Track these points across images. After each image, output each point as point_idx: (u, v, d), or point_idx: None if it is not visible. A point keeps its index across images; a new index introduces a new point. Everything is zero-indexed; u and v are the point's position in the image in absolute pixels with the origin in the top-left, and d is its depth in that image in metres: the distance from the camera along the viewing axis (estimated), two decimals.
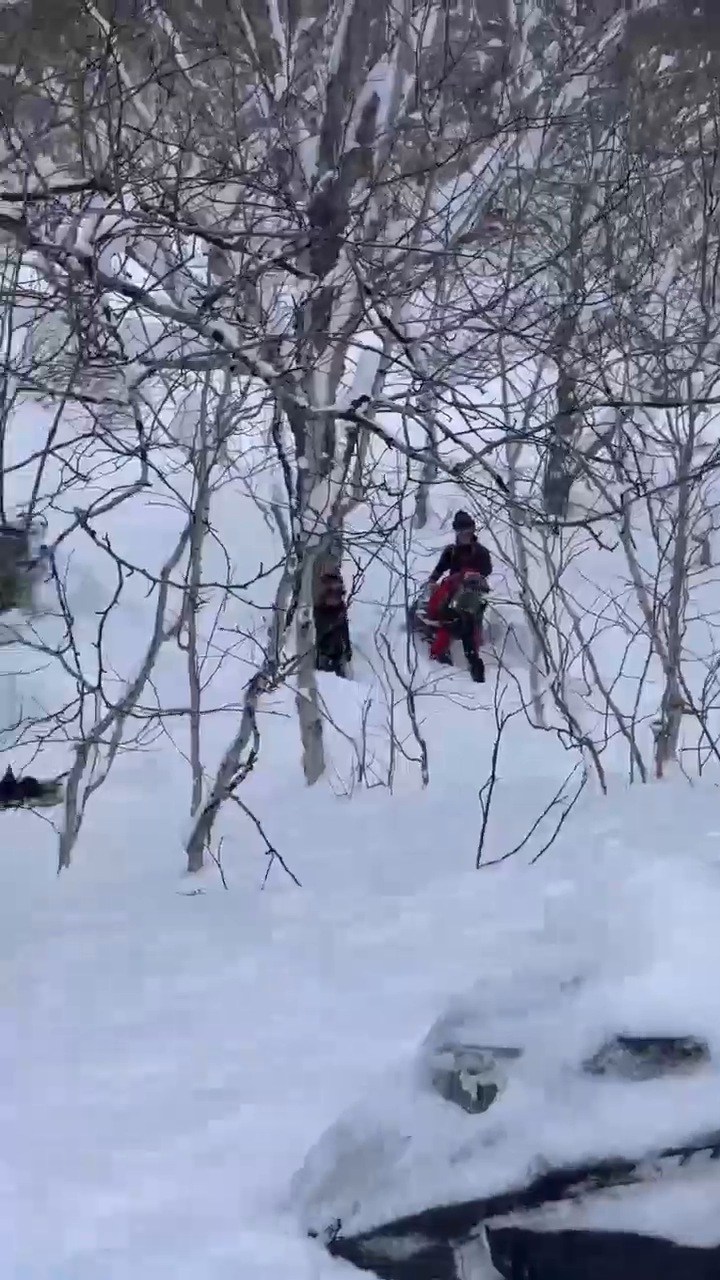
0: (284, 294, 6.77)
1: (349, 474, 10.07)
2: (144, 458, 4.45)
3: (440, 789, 7.98)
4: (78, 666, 6.63)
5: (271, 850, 5.76)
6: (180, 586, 6.71)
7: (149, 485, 4.85)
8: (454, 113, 11.93)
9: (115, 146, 4.50)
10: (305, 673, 9.28)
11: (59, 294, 5.08)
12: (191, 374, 6.72)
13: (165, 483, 6.26)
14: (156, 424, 7.80)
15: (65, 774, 7.83)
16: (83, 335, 4.45)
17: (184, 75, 10.15)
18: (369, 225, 9.64)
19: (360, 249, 9.24)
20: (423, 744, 8.48)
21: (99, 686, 6.86)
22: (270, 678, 6.11)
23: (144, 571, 5.79)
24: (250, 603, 6.21)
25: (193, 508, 6.54)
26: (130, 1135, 3.10)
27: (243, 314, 5.88)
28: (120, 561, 5.42)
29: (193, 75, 10.75)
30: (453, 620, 13.54)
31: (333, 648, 12.34)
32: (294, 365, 5.35)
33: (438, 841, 6.42)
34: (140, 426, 4.39)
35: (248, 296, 6.49)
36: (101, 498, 5.22)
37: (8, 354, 9.34)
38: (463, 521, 13.34)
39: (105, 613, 6.24)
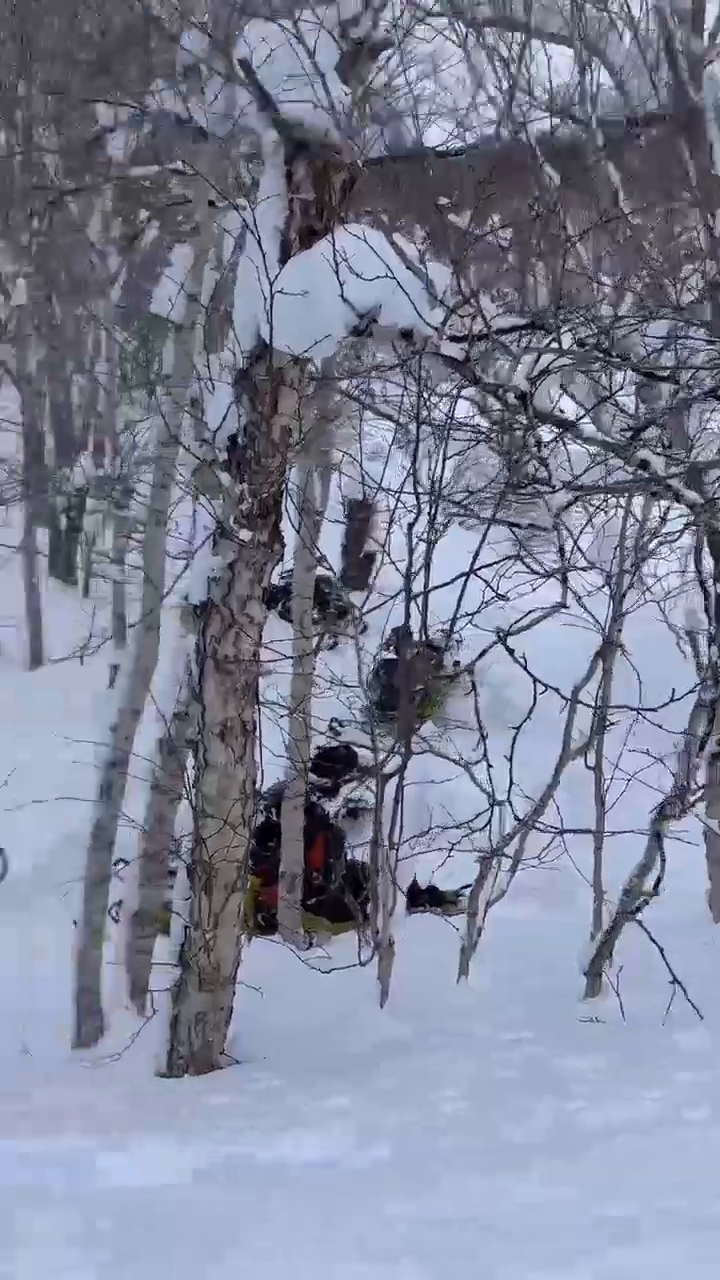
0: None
1: None
2: (564, 581, 4.59)
3: None
4: (489, 781, 6.79)
5: (675, 980, 5.62)
6: (589, 706, 6.78)
7: (566, 607, 4.98)
8: None
9: (558, 288, 4.75)
10: (716, 804, 9.02)
11: (494, 427, 5.38)
12: (612, 500, 6.82)
13: (581, 605, 6.40)
14: (575, 548, 8.02)
15: (468, 885, 7.99)
16: (512, 465, 4.69)
17: (625, 218, 10.46)
18: None
19: None
20: None
21: (507, 800, 7.01)
22: (680, 805, 6.01)
23: (556, 689, 5.96)
24: (659, 726, 6.20)
25: (606, 630, 6.61)
26: (529, 1252, 3.11)
27: (669, 442, 5.97)
28: (535, 679, 5.62)
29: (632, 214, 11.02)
30: None
31: None
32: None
33: None
34: (562, 551, 4.54)
35: (676, 426, 6.57)
36: (520, 618, 5.41)
37: (440, 480, 9.94)
38: None
39: (518, 728, 6.39)
